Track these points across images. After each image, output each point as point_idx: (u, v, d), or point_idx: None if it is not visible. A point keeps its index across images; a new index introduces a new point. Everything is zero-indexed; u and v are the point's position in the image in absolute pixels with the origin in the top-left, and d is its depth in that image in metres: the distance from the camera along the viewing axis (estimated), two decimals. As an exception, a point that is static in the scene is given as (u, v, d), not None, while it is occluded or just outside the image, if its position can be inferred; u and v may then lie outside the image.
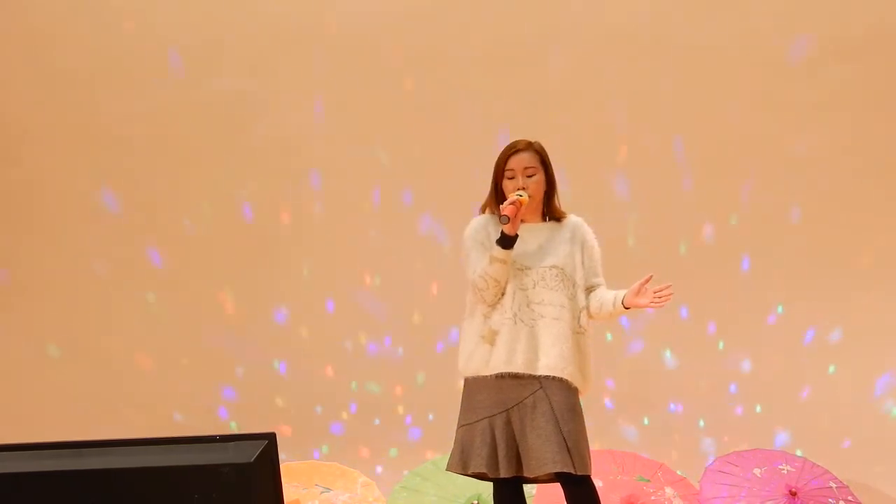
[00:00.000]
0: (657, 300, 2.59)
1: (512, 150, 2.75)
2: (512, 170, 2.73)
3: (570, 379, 2.64)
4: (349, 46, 4.52)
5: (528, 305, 2.67)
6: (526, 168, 2.72)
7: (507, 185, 2.74)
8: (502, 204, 2.67)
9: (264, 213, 4.68)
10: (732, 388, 4.52)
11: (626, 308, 2.66)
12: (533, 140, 2.79)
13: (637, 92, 4.46)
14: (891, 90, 4.37)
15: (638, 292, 2.62)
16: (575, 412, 2.64)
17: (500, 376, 2.65)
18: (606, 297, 2.73)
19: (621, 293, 2.68)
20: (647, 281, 2.62)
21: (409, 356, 4.66)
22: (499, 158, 2.77)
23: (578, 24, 4.44)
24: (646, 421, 4.52)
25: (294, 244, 4.68)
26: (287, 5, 4.52)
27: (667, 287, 2.59)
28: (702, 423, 4.49)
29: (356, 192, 4.65)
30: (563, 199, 2.87)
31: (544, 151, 2.79)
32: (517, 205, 2.61)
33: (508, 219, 2.58)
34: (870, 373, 4.42)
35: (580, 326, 2.72)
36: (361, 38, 4.51)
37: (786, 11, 4.36)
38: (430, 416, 4.54)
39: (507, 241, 2.62)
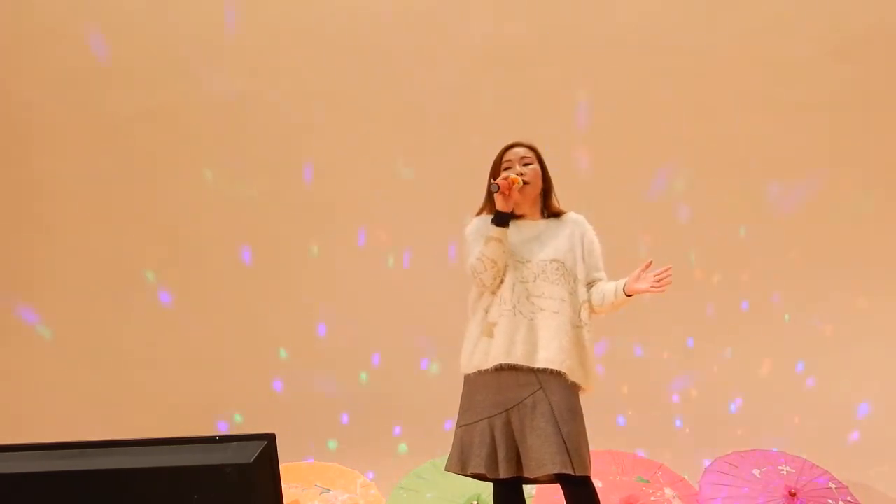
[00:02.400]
0: (657, 285, 2.61)
1: (508, 146, 2.85)
2: (509, 160, 2.81)
3: (568, 373, 2.63)
4: (350, 46, 4.53)
5: (527, 298, 2.68)
6: (522, 157, 2.81)
7: (504, 174, 2.78)
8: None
9: (266, 210, 4.68)
10: (732, 388, 4.52)
11: (628, 295, 2.69)
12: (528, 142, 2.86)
13: (636, 92, 4.46)
14: (891, 90, 4.37)
15: (638, 278, 2.66)
16: (575, 412, 2.64)
17: (500, 369, 2.64)
18: (607, 288, 2.76)
19: (621, 282, 2.72)
20: (646, 267, 2.65)
21: (410, 356, 4.66)
22: (496, 157, 2.84)
23: (577, 25, 4.45)
24: (655, 424, 4.52)
25: (296, 243, 4.68)
26: (289, 5, 4.52)
27: (666, 270, 2.62)
28: (702, 423, 4.50)
29: (357, 192, 4.65)
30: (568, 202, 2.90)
31: (539, 152, 2.86)
32: (509, 181, 2.65)
33: (499, 187, 2.61)
34: (870, 373, 4.43)
35: (580, 321, 2.72)
36: (363, 38, 4.52)
37: (786, 12, 4.36)
38: (431, 417, 4.54)
39: (501, 218, 2.65)
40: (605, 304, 2.75)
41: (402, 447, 4.54)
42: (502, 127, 4.13)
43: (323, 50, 4.54)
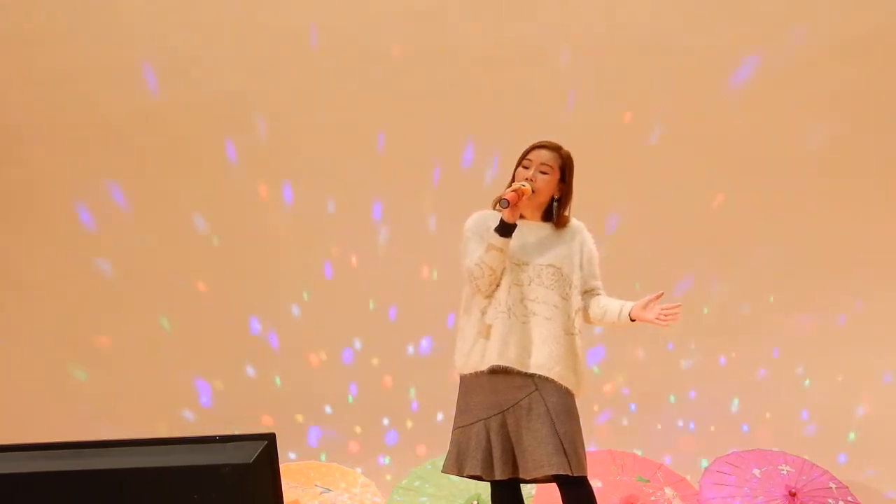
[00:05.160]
0: (663, 317, 2.59)
1: (537, 145, 2.78)
2: (529, 160, 2.75)
3: (558, 379, 2.63)
4: (351, 46, 4.53)
5: (521, 301, 2.68)
6: (542, 164, 2.74)
7: (520, 173, 2.76)
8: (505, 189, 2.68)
9: (268, 206, 4.67)
10: (733, 388, 4.52)
11: (632, 320, 2.67)
12: (564, 148, 2.80)
13: (636, 92, 4.46)
14: (891, 91, 4.37)
15: (646, 307, 2.63)
16: (570, 413, 2.64)
17: (494, 371, 2.64)
18: (611, 306, 2.73)
19: (628, 305, 2.69)
20: (657, 298, 2.62)
21: (411, 354, 4.66)
22: (523, 151, 2.80)
23: (577, 25, 4.45)
24: (656, 425, 4.51)
25: (299, 239, 4.67)
26: (290, 5, 4.52)
27: (676, 306, 2.60)
28: (702, 423, 4.50)
29: (359, 190, 4.66)
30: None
31: (570, 161, 2.80)
32: (519, 192, 2.61)
33: (508, 203, 2.57)
34: (869, 373, 4.43)
35: (574, 328, 2.71)
36: (364, 37, 4.52)
37: (786, 12, 4.36)
38: (433, 416, 4.54)
39: (505, 229, 2.62)
40: (605, 319, 2.74)
41: (397, 450, 4.54)
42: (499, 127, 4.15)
43: (321, 51, 4.54)
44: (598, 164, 4.42)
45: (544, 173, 2.73)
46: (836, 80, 4.34)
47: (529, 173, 2.72)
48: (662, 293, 2.63)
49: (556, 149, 2.77)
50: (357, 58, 4.52)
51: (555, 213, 2.80)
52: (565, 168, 2.78)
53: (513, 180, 2.78)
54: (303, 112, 4.59)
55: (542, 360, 2.63)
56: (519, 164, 2.78)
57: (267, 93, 4.58)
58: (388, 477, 4.26)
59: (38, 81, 4.57)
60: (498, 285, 2.68)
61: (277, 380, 4.66)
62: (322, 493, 3.63)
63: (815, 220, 4.47)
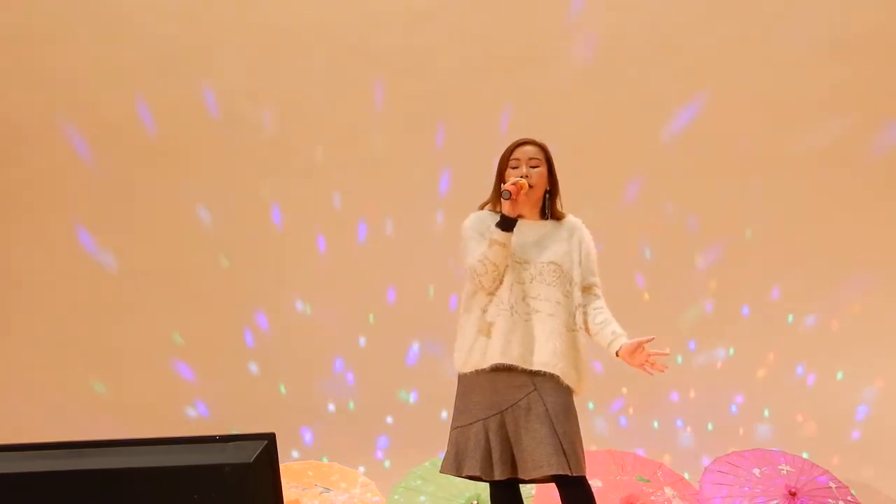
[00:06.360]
0: (650, 366, 2.60)
1: (518, 143, 2.81)
2: (517, 159, 2.77)
3: (562, 375, 2.63)
4: (350, 45, 4.53)
5: (523, 299, 2.68)
6: (531, 159, 2.76)
7: (511, 173, 2.77)
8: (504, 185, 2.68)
9: (266, 204, 4.68)
10: (732, 388, 4.52)
11: (618, 356, 2.67)
12: (540, 140, 2.82)
13: (637, 92, 4.46)
14: (891, 90, 4.37)
15: (634, 350, 2.61)
16: (569, 413, 2.64)
17: (496, 369, 2.64)
18: (605, 331, 2.72)
19: (618, 341, 2.67)
20: (647, 341, 2.61)
21: (411, 354, 4.66)
22: (504, 152, 2.81)
23: (575, 24, 4.45)
24: (655, 424, 4.51)
25: (305, 238, 4.68)
26: (289, 5, 4.52)
27: (663, 354, 2.60)
28: (702, 423, 4.50)
29: (361, 190, 4.66)
30: (569, 202, 2.88)
31: (549, 153, 2.82)
32: (518, 185, 2.63)
33: (510, 194, 2.58)
34: (868, 373, 4.43)
35: (575, 324, 2.72)
36: (363, 37, 4.52)
37: (786, 11, 4.37)
38: (434, 416, 4.55)
39: (507, 223, 2.63)
40: (595, 338, 2.75)
41: (397, 449, 4.54)
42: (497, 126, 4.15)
43: (325, 49, 4.54)
44: (595, 163, 4.47)
45: (535, 167, 2.76)
46: (837, 80, 4.34)
47: (522, 171, 2.74)
48: (653, 338, 2.61)
49: (536, 143, 2.81)
50: (356, 57, 4.52)
51: (548, 205, 2.82)
52: (550, 160, 2.81)
53: (498, 185, 2.78)
54: (305, 111, 4.60)
55: (545, 356, 2.63)
56: (505, 165, 2.78)
57: (269, 92, 4.59)
58: (390, 465, 4.26)
59: (38, 81, 4.57)
60: (500, 283, 2.69)
61: (278, 381, 4.66)
62: (322, 493, 3.63)
63: (815, 220, 4.47)
